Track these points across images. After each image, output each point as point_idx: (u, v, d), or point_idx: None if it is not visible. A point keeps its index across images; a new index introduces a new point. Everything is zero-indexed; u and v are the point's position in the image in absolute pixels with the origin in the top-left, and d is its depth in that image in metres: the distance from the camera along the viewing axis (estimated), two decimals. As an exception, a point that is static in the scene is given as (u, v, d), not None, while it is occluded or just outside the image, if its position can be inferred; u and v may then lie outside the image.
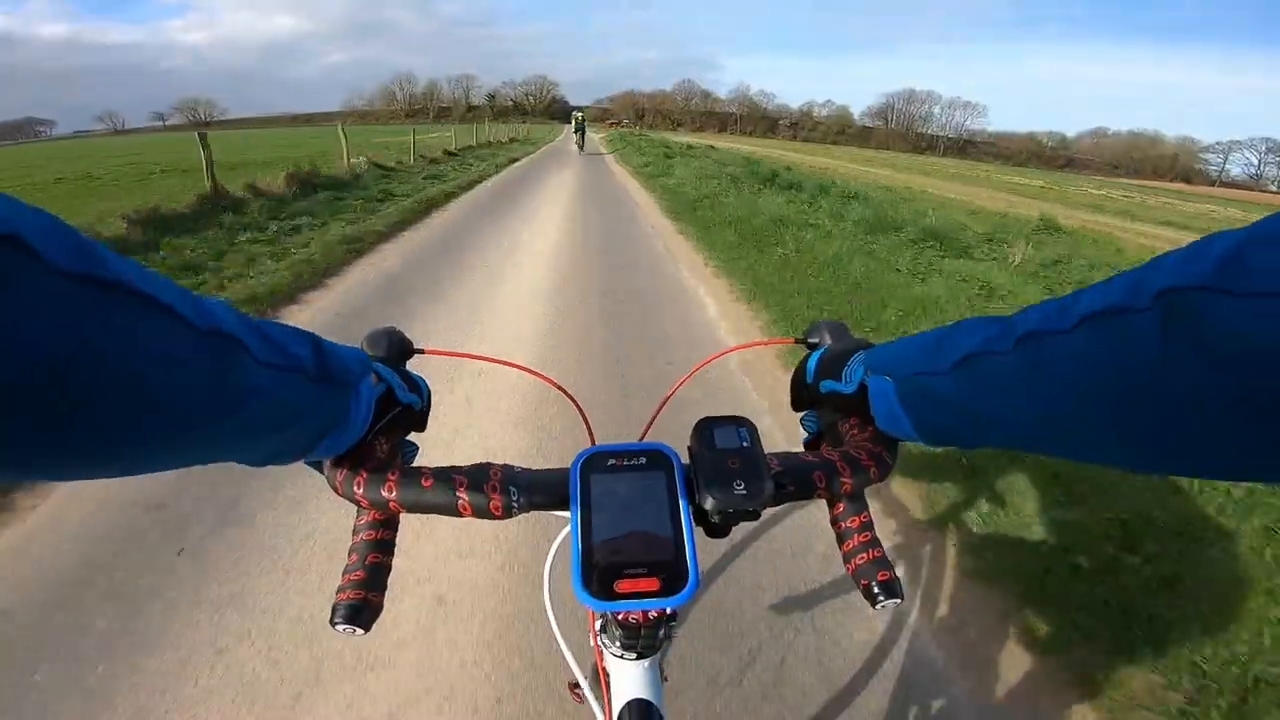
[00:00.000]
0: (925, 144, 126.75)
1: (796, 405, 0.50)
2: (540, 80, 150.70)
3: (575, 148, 21.13)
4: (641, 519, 0.38)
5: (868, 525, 0.44)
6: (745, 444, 0.40)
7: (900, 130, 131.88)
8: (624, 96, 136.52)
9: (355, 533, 0.43)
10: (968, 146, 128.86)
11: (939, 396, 0.34)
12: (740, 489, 0.37)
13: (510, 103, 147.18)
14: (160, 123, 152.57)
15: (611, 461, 0.41)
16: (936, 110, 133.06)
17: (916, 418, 0.36)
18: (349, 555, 0.43)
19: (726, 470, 0.38)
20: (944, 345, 0.33)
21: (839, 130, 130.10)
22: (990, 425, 0.31)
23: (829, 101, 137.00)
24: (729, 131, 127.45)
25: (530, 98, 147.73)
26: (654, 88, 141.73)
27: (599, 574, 0.36)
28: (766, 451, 0.40)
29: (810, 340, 0.53)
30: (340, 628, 0.40)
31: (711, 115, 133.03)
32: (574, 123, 21.47)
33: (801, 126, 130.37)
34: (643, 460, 0.40)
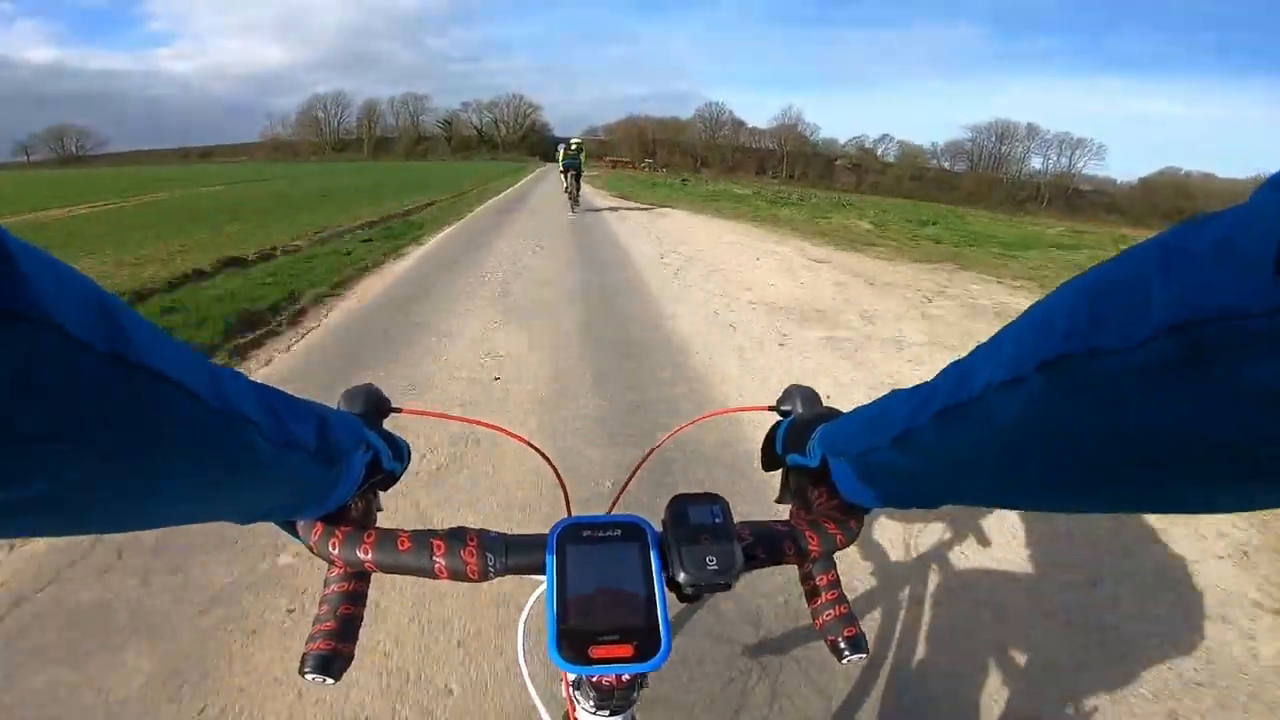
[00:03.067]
0: (1025, 194, 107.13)
1: (767, 467, 0.57)
2: (516, 101, 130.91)
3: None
4: (616, 588, 0.43)
5: (835, 584, 0.51)
6: (718, 520, 0.46)
7: (990, 175, 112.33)
8: (626, 125, 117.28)
9: (326, 584, 0.48)
10: (1075, 197, 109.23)
11: (890, 471, 0.39)
12: (713, 565, 0.43)
13: (475, 130, 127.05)
14: (25, 156, 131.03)
15: (587, 532, 0.46)
16: (1034, 149, 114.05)
17: (877, 491, 0.42)
18: (320, 606, 0.47)
19: (700, 546, 0.44)
20: (879, 423, 0.39)
21: (912, 175, 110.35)
22: (940, 490, 0.37)
23: (886, 137, 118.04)
24: (770, 174, 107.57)
25: (502, 125, 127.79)
26: (666, 114, 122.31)
27: (573, 639, 0.41)
28: (738, 521, 0.47)
29: (783, 407, 0.61)
30: (310, 677, 0.44)
31: (746, 152, 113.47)
32: (562, 153, 12.63)
33: (866, 169, 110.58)
34: (618, 532, 0.46)
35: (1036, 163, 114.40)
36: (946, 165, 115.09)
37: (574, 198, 12.72)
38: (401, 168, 55.56)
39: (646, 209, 14.62)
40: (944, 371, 0.33)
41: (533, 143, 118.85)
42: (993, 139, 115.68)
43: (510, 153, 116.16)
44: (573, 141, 12.89)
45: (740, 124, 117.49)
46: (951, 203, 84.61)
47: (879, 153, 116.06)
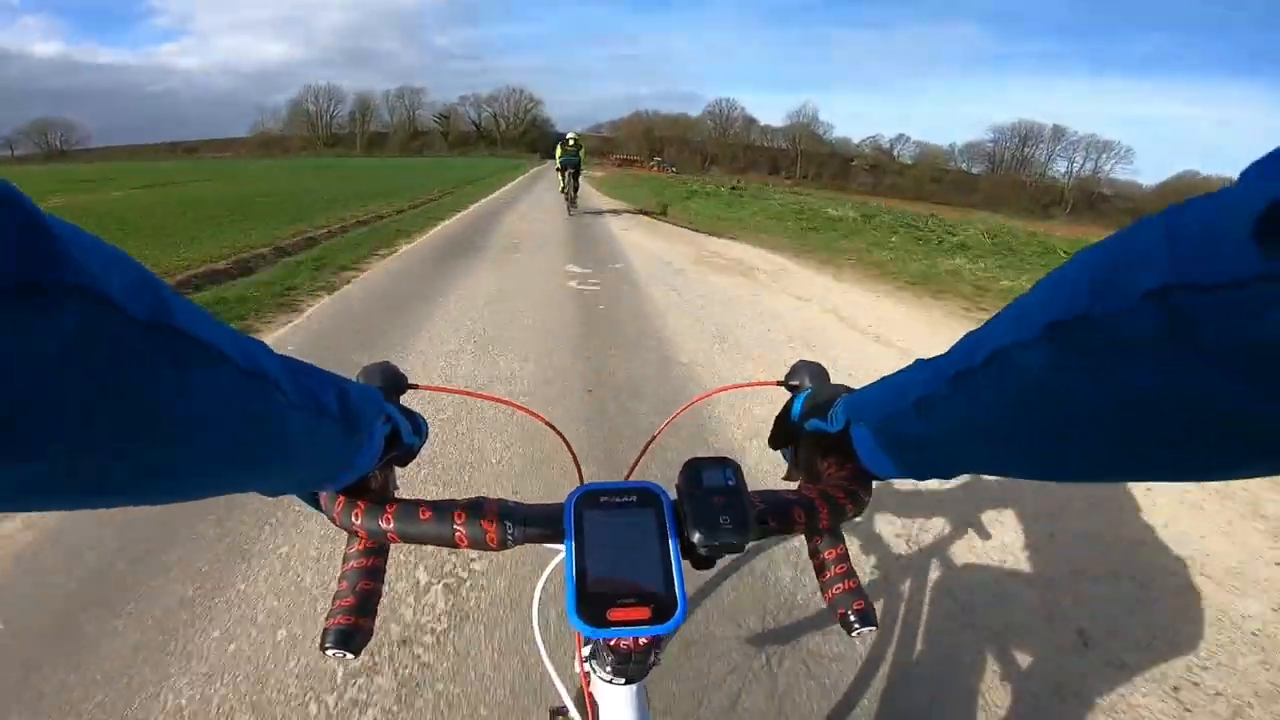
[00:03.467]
0: (1049, 199, 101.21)
1: (775, 443, 0.59)
2: (516, 95, 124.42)
3: None
4: (632, 552, 0.44)
5: (844, 557, 0.52)
6: (730, 483, 0.47)
7: (1013, 177, 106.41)
8: (632, 121, 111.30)
9: (346, 560, 0.49)
10: (1099, 201, 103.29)
11: (909, 437, 0.40)
12: (726, 525, 0.44)
13: (473, 124, 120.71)
14: (9, 151, 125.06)
15: (604, 499, 0.47)
16: (1058, 151, 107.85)
17: (896, 458, 0.43)
18: (339, 582, 0.48)
19: (713, 508, 0.45)
20: (902, 390, 0.39)
21: (933, 177, 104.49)
22: (957, 457, 0.38)
23: (902, 137, 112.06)
24: (783, 174, 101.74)
25: (501, 120, 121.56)
26: (674, 110, 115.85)
27: (592, 602, 0.42)
28: (750, 489, 0.48)
29: (791, 382, 0.62)
30: (330, 652, 0.45)
31: (759, 151, 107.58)
32: (560, 150, 12.01)
33: (883, 171, 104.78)
34: (633, 498, 0.47)
35: (1061, 166, 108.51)
36: (964, 167, 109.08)
37: (571, 199, 12.00)
38: (384, 165, 49.69)
39: (710, 244, 8.76)
40: (962, 339, 0.34)
41: (533, 139, 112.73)
42: (1016, 141, 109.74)
43: (509, 149, 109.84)
44: (570, 137, 12.04)
45: (752, 121, 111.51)
46: (970, 206, 78.80)
47: (896, 153, 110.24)
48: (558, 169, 12.08)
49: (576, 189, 11.91)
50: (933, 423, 0.37)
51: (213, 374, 0.24)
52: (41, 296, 0.16)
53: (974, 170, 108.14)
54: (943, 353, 0.36)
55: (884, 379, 0.44)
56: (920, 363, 0.39)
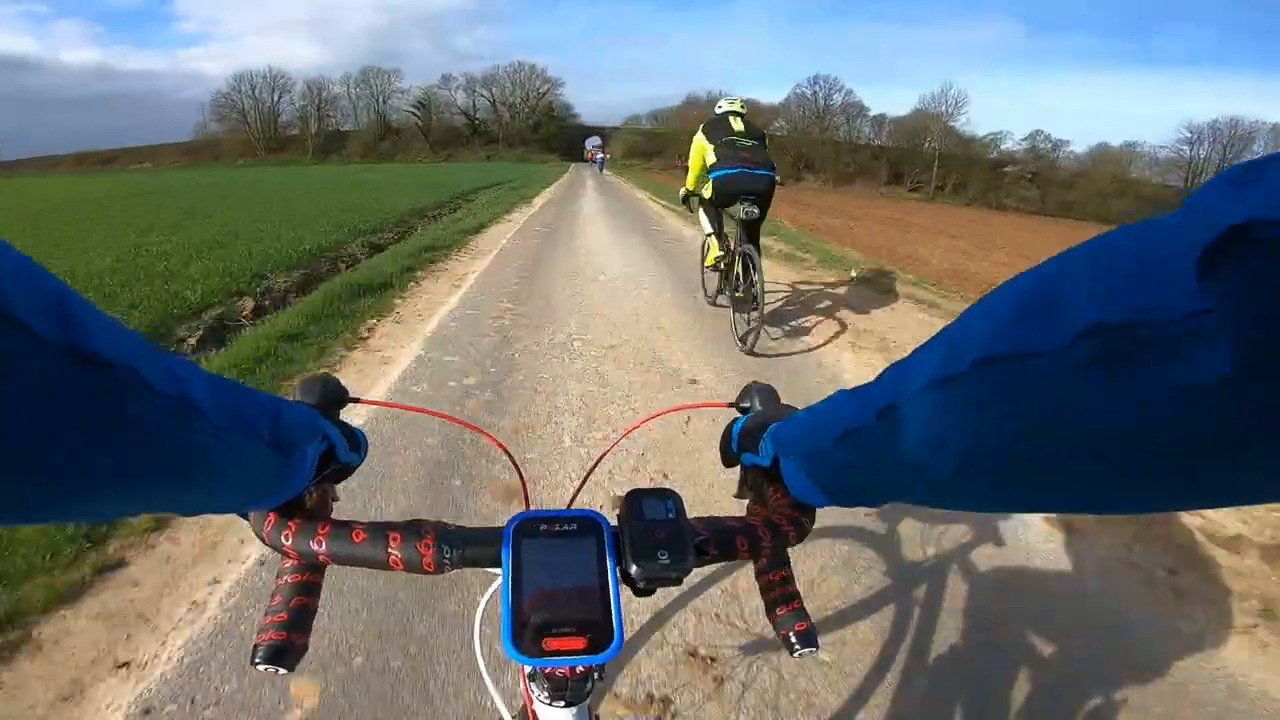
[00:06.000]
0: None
1: (728, 464, 0.59)
2: (524, 74, 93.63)
3: None
4: (571, 581, 0.44)
5: (788, 580, 0.53)
6: (671, 515, 0.47)
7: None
8: (687, 109, 79.98)
9: (280, 575, 0.48)
10: None
11: (836, 468, 0.41)
12: (664, 559, 0.44)
13: (465, 116, 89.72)
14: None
15: (544, 526, 0.47)
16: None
17: (824, 488, 0.43)
18: (272, 596, 0.47)
19: (653, 541, 0.45)
20: (826, 423, 0.40)
21: (1118, 190, 71.77)
22: (885, 488, 0.38)
23: (1040, 133, 79.43)
24: (905, 184, 70.21)
25: (503, 108, 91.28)
26: (740, 93, 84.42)
27: (528, 632, 0.42)
28: (693, 516, 0.48)
29: (742, 405, 0.62)
30: (261, 667, 0.44)
31: (872, 153, 75.69)
32: (716, 148, 4.06)
33: (1046, 181, 72.38)
34: (573, 526, 0.47)
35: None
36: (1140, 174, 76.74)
37: (755, 326, 3.92)
38: (286, 183, 30.85)
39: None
40: (885, 371, 0.34)
41: (550, 134, 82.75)
42: (1219, 139, 77.42)
43: (517, 149, 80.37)
44: (729, 106, 4.58)
45: (860, 110, 79.80)
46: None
47: (1055, 156, 77.89)
48: (712, 234, 4.69)
49: (760, 287, 3.81)
50: (860, 455, 0.37)
51: (134, 399, 0.23)
52: None
53: (1170, 181, 75.92)
54: (867, 384, 0.36)
55: (809, 410, 0.44)
56: (844, 394, 0.39)
